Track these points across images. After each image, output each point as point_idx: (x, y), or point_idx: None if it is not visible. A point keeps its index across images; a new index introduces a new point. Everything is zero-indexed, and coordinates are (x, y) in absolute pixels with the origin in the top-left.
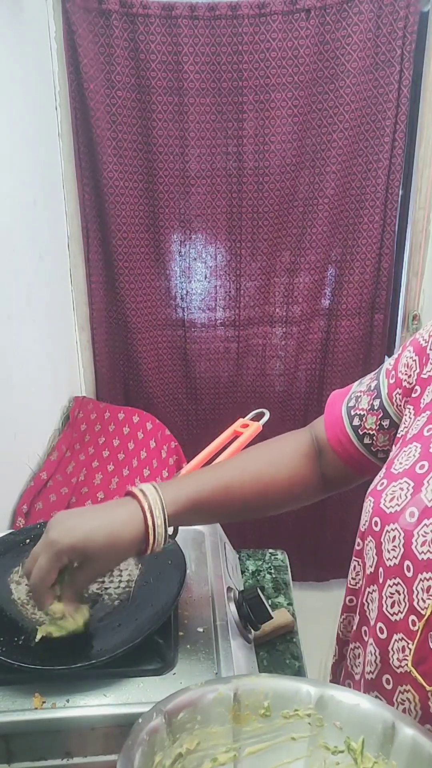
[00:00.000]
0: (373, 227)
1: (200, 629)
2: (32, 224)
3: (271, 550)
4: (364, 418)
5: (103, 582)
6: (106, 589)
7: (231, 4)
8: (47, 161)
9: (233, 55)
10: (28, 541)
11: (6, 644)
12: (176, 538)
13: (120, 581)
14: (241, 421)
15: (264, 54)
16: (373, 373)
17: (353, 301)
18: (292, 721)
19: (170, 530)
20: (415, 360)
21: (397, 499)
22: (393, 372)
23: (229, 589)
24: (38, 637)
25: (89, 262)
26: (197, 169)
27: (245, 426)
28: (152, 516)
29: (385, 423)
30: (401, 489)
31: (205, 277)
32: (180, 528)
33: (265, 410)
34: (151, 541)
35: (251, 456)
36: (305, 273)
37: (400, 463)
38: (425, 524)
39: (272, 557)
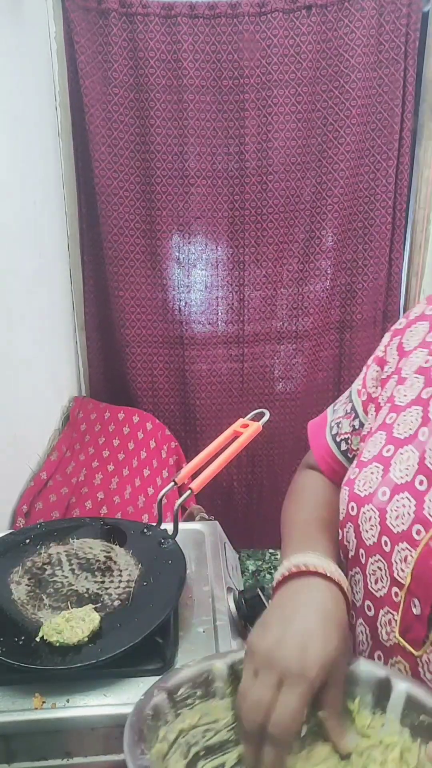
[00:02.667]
0: (385, 229)
1: (200, 629)
2: (32, 224)
3: (271, 550)
4: (349, 441)
5: (103, 582)
6: (106, 589)
7: (231, 3)
8: (47, 161)
9: (234, 53)
10: (27, 541)
11: (6, 644)
12: (176, 538)
13: (120, 581)
14: (241, 421)
15: (265, 51)
16: (344, 396)
17: (368, 310)
18: None
19: (170, 528)
20: (377, 371)
21: (369, 483)
22: (363, 390)
23: (229, 589)
24: (41, 634)
25: (84, 264)
26: (197, 168)
27: (245, 426)
28: (338, 578)
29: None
30: (372, 473)
31: (206, 287)
32: (180, 528)
33: (264, 410)
34: (348, 597)
35: (320, 501)
36: (315, 281)
37: (368, 452)
38: (396, 500)
39: (272, 557)
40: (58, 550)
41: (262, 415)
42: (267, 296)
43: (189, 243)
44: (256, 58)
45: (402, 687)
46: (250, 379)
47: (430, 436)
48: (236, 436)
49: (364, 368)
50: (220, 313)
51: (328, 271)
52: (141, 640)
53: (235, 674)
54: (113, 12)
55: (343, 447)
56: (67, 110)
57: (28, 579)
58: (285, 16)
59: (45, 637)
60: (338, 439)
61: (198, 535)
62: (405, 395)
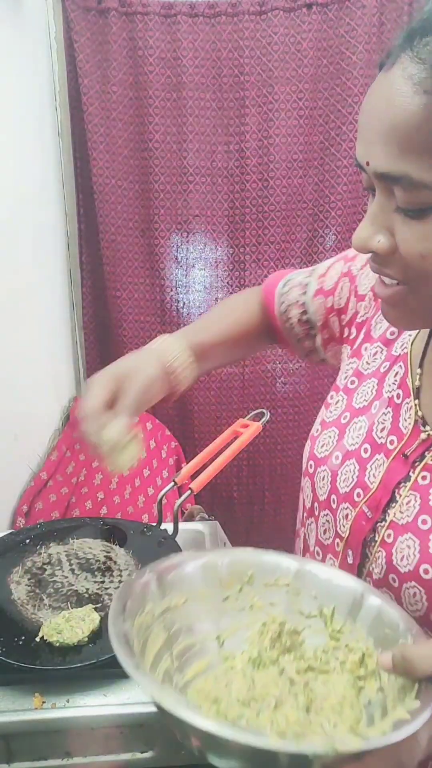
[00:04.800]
0: None
1: None
2: (32, 224)
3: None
4: (290, 307)
5: (103, 582)
6: (106, 589)
7: (231, 2)
8: (47, 161)
9: (234, 50)
10: (27, 541)
11: (6, 644)
12: (176, 538)
13: (120, 581)
14: (241, 421)
15: (266, 49)
16: (310, 269)
17: None
18: (272, 590)
19: (170, 528)
20: (347, 285)
21: (326, 446)
22: (323, 278)
23: None
24: (41, 634)
25: (82, 264)
26: (196, 165)
27: (245, 426)
28: (167, 348)
29: (304, 318)
30: (329, 437)
31: (204, 288)
32: (180, 528)
33: (264, 410)
34: (169, 362)
35: (234, 311)
36: None
37: (331, 413)
38: (346, 465)
39: None
40: (58, 550)
41: (262, 415)
42: None
43: (188, 242)
44: (256, 56)
45: (374, 601)
46: (251, 384)
47: (379, 409)
48: (236, 436)
49: (334, 260)
50: None
51: None
52: None
53: (225, 568)
54: (113, 11)
55: (282, 308)
56: (67, 110)
57: (28, 579)
58: (286, 15)
59: (45, 637)
60: (281, 299)
61: (198, 535)
62: (368, 363)
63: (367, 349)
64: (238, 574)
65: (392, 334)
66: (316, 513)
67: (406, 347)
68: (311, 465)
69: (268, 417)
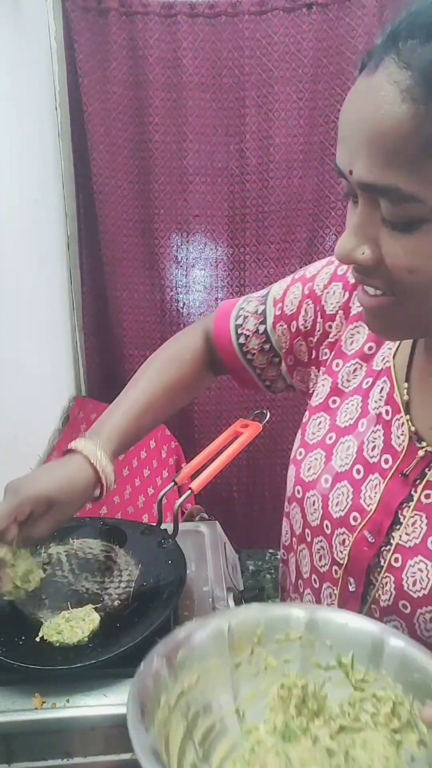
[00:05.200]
0: None
1: None
2: (33, 224)
3: (271, 550)
4: (248, 338)
5: (103, 582)
6: (105, 589)
7: (231, 2)
8: (47, 161)
9: (234, 50)
10: None
11: (6, 644)
12: (176, 538)
13: (120, 581)
14: (241, 421)
15: (266, 49)
16: (261, 294)
17: None
18: (284, 645)
19: (170, 528)
20: (311, 307)
21: (313, 469)
22: (280, 304)
23: (229, 589)
24: (41, 634)
25: (82, 264)
26: (196, 166)
27: (245, 426)
28: (98, 462)
29: (266, 346)
30: (315, 459)
31: (204, 288)
32: (180, 528)
33: (265, 410)
34: (103, 482)
35: (161, 370)
36: None
37: (313, 433)
38: (337, 488)
39: (272, 557)
40: (58, 550)
41: (262, 415)
42: None
43: (188, 242)
44: (256, 56)
45: (397, 643)
46: None
47: (368, 427)
48: (236, 436)
49: (289, 281)
50: None
51: None
52: (141, 640)
53: (232, 633)
54: (113, 11)
55: (242, 340)
56: (67, 110)
57: None
58: (286, 15)
59: (45, 637)
60: (239, 331)
61: (198, 535)
62: (348, 380)
63: (339, 365)
64: (247, 635)
65: (370, 349)
66: (308, 539)
67: (388, 361)
68: (298, 490)
69: (268, 417)
